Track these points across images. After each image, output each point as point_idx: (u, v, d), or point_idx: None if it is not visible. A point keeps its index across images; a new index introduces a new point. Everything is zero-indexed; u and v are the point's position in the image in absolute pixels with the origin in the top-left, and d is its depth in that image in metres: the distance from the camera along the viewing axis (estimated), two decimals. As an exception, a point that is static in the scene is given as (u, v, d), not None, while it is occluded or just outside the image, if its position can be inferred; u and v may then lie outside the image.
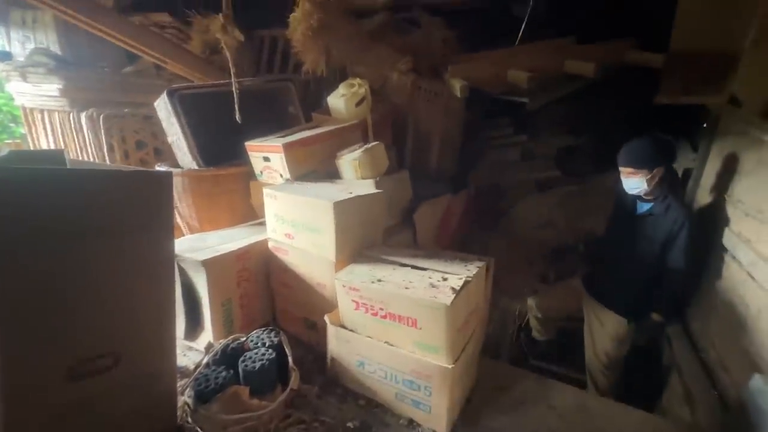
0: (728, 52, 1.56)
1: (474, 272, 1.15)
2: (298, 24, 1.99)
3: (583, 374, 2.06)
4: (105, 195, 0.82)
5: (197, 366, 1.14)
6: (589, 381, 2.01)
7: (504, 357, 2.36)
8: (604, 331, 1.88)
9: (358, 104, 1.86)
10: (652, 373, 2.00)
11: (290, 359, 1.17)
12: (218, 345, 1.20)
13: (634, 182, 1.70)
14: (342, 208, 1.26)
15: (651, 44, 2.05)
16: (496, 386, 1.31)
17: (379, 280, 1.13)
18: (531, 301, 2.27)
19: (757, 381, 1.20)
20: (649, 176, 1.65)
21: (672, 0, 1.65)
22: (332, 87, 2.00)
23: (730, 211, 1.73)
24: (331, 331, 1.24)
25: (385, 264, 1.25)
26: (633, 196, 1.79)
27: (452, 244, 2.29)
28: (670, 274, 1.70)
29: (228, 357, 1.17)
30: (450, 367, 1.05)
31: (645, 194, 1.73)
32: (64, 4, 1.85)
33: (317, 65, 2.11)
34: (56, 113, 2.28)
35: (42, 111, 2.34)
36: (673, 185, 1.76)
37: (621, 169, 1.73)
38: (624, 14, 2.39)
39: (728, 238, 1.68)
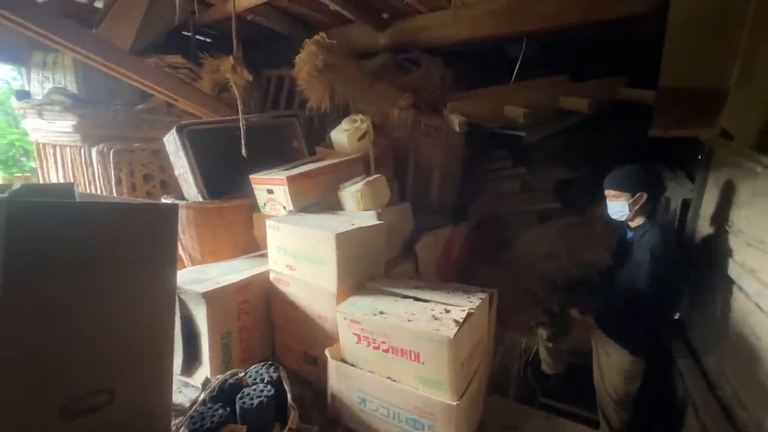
0: (717, 87, 1.63)
1: (477, 304, 1.14)
2: (304, 64, 2.10)
3: (595, 413, 1.98)
4: (111, 227, 0.83)
5: (193, 403, 1.10)
6: (602, 419, 1.92)
7: (511, 394, 2.27)
8: (610, 363, 1.83)
9: (360, 139, 1.92)
10: (668, 410, 1.91)
11: (289, 396, 1.13)
12: (216, 381, 1.16)
13: (616, 206, 1.75)
14: (344, 239, 1.26)
15: (642, 82, 2.14)
16: (503, 425, 1.25)
17: (381, 313, 1.12)
18: (542, 331, 2.22)
19: (776, 419, 1.15)
20: (631, 200, 1.70)
21: (660, 40, 1.75)
22: (335, 122, 2.07)
23: (732, 241, 1.72)
24: (332, 365, 1.21)
25: (387, 296, 1.24)
26: (626, 225, 1.83)
27: (453, 276, 2.28)
28: (627, 290, 1.72)
29: (225, 393, 1.13)
30: (455, 403, 1.01)
31: (628, 221, 1.76)
32: (86, 48, 1.97)
33: (321, 102, 2.20)
34: (68, 148, 2.36)
35: (54, 146, 2.42)
36: (655, 214, 1.78)
37: (606, 192, 1.78)
38: (614, 54, 2.52)
39: (733, 269, 1.67)
